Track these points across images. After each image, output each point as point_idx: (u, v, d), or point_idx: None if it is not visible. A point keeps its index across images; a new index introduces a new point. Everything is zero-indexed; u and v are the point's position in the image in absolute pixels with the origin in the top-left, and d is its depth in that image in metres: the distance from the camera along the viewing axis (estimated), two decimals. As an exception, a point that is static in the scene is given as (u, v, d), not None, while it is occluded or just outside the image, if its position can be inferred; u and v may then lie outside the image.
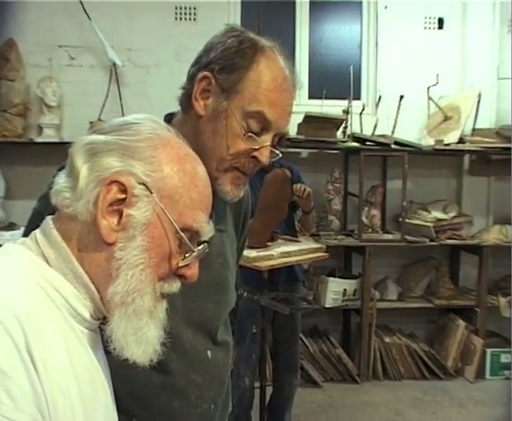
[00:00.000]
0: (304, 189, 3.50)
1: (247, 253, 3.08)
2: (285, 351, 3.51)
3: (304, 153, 5.00)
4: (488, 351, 4.88)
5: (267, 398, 3.42)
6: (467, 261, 5.17)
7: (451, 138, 4.79)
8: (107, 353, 0.99)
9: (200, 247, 0.98)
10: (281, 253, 3.14)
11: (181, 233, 0.94)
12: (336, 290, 4.68)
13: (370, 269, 4.69)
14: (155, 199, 0.92)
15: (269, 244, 3.23)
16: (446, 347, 4.94)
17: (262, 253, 3.08)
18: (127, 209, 0.91)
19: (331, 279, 4.70)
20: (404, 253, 5.10)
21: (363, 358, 4.67)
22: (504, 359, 4.91)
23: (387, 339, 4.79)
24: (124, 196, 0.91)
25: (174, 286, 0.98)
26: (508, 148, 4.76)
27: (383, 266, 5.04)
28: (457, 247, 5.10)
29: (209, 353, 1.28)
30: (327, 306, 4.69)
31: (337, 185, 4.81)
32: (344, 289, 4.70)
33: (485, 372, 4.88)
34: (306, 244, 3.47)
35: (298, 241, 3.49)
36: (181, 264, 0.96)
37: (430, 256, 5.15)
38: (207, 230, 0.98)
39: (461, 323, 4.92)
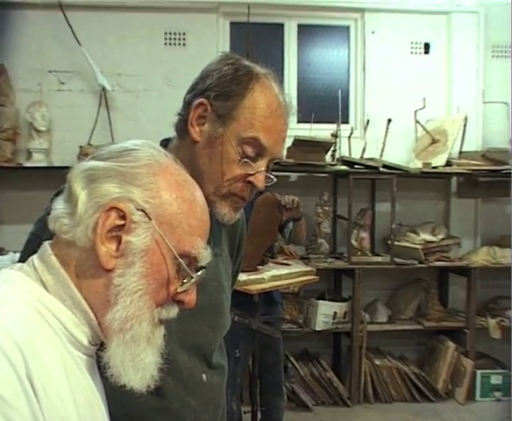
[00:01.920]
0: (293, 200, 3.53)
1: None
2: (269, 374, 3.50)
3: (293, 176, 5.04)
4: (478, 372, 4.89)
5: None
6: (456, 283, 5.20)
7: (438, 161, 4.83)
8: (102, 377, 0.98)
9: (198, 273, 0.98)
10: (272, 276, 3.14)
11: (180, 259, 0.95)
12: (326, 313, 4.68)
13: (360, 292, 4.70)
14: (154, 226, 0.92)
15: (259, 267, 3.24)
16: (436, 369, 4.94)
17: (253, 276, 3.09)
18: (126, 235, 0.92)
19: (321, 302, 4.70)
20: (393, 275, 5.12)
21: (354, 381, 4.66)
22: (494, 380, 4.92)
23: (377, 362, 4.79)
24: (123, 222, 0.92)
25: (172, 312, 0.99)
26: (495, 170, 4.82)
27: (373, 288, 5.06)
28: (445, 269, 5.12)
29: (204, 376, 1.28)
30: (317, 329, 4.68)
31: (327, 208, 4.83)
32: (335, 312, 4.70)
33: (475, 393, 4.88)
34: (296, 267, 3.48)
35: (288, 265, 3.50)
36: (179, 290, 0.96)
37: (420, 278, 5.17)
38: (205, 255, 0.98)
39: (451, 344, 4.93)
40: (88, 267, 0.93)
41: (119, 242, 0.92)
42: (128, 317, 0.92)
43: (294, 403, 4.55)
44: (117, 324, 0.92)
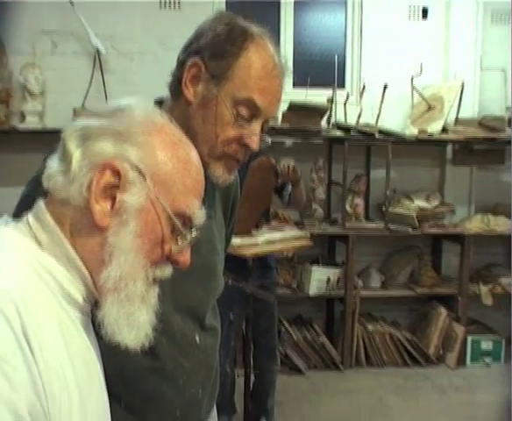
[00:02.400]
0: (289, 166, 3.52)
1: (232, 240, 3.09)
2: (263, 338, 3.53)
3: (288, 142, 5.02)
4: (469, 338, 4.95)
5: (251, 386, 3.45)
6: (449, 250, 5.23)
7: (434, 127, 4.82)
8: (97, 336, 0.99)
9: (193, 233, 0.98)
10: (266, 240, 3.16)
11: (175, 219, 0.94)
12: (319, 279, 4.71)
13: (353, 258, 4.72)
14: (149, 185, 0.92)
15: (254, 232, 3.24)
16: (428, 335, 5.00)
17: (247, 240, 3.10)
18: (121, 194, 0.91)
19: (315, 267, 4.72)
20: (387, 241, 5.15)
21: (346, 345, 4.71)
22: (485, 346, 4.99)
23: (370, 327, 4.84)
24: (117, 181, 0.91)
25: (166, 271, 0.99)
26: (490, 138, 4.81)
27: (366, 254, 5.09)
28: (439, 236, 5.15)
29: (197, 337, 1.29)
30: (311, 294, 4.72)
31: (321, 174, 4.83)
32: (328, 278, 4.73)
33: (466, 359, 4.95)
34: (290, 232, 3.49)
35: (282, 229, 3.51)
36: (173, 249, 0.96)
37: (413, 245, 5.20)
38: (199, 215, 0.98)
39: (443, 311, 4.98)
40: (82, 226, 0.93)
41: (114, 201, 0.92)
42: (122, 276, 0.92)
43: (287, 366, 4.60)
44: (111, 283, 0.92)
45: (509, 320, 5.55)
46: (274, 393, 3.78)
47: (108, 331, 0.94)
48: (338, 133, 4.73)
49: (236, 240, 3.09)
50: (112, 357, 1.13)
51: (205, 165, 1.17)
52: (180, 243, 0.97)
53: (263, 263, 3.47)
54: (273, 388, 3.77)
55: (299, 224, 4.51)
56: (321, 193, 4.85)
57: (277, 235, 3.28)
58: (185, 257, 0.99)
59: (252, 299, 3.27)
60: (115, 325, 0.94)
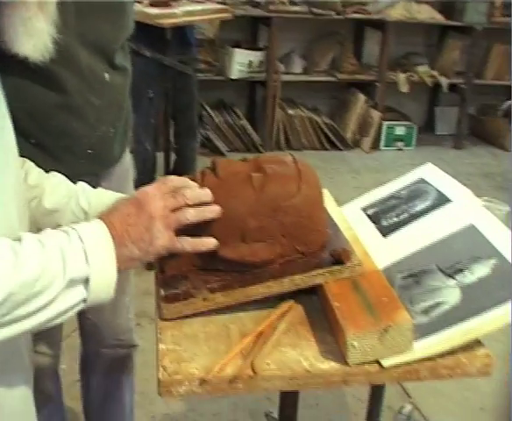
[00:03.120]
0: None
1: (149, 10, 2.98)
2: (182, 115, 3.53)
3: None
4: (384, 124, 5.15)
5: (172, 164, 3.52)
6: (371, 37, 5.25)
7: None
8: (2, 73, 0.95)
9: None
10: (185, 11, 3.05)
11: None
12: (241, 62, 4.66)
13: (276, 42, 4.67)
14: None
15: (172, 3, 3.12)
16: (346, 120, 5.15)
17: (165, 10, 2.99)
18: None
19: (237, 50, 4.65)
20: (310, 26, 5.08)
21: (267, 129, 4.81)
22: (398, 131, 5.21)
23: (290, 112, 4.92)
24: None
25: None
26: None
27: (289, 40, 5.03)
28: (361, 22, 5.13)
29: (106, 75, 1.26)
30: (233, 77, 4.69)
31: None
32: (250, 61, 4.69)
33: (380, 143, 5.18)
34: (211, 5, 3.38)
35: (203, 2, 3.39)
36: None
37: (335, 31, 5.16)
38: None
39: (361, 97, 5.10)
40: None
41: None
42: None
43: (208, 149, 4.69)
44: None
45: (423, 109, 5.79)
46: (195, 171, 3.88)
47: (6, 39, 0.91)
48: None
49: (153, 10, 2.98)
50: (20, 93, 1.11)
51: None
52: None
53: (182, 39, 3.38)
54: (194, 167, 3.86)
55: (220, 3, 4.35)
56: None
57: (197, 7, 3.17)
58: None
59: (171, 75, 3.22)
60: (12, 33, 0.91)
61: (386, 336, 0.81)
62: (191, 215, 0.88)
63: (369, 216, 1.19)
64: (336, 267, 0.89)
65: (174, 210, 0.88)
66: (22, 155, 1.08)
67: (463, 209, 1.10)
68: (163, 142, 4.37)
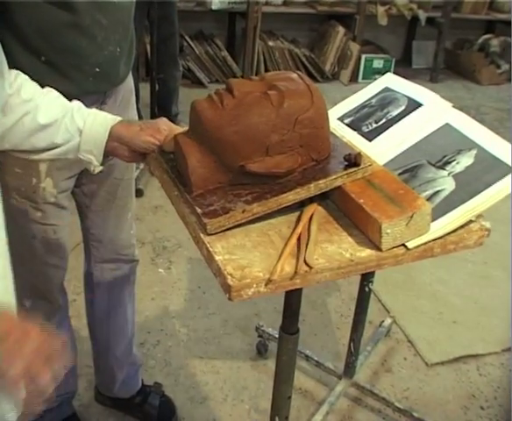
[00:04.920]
0: None
1: None
2: (164, 45, 3.51)
3: None
4: (363, 57, 5.21)
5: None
6: (351, -31, 5.24)
7: None
8: None
9: None
10: None
11: None
12: (222, -9, 4.64)
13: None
14: None
15: None
16: (325, 53, 5.19)
17: None
18: None
19: (218, -20, 4.63)
20: (291, -43, 5.06)
21: (247, 60, 4.82)
22: (376, 64, 5.29)
23: (270, 43, 4.94)
24: None
25: None
26: None
27: (270, -29, 5.00)
28: (342, -47, 5.12)
29: None
30: (213, 8, 4.68)
31: None
32: (231, -9, 4.67)
33: (358, 76, 5.26)
34: None
35: None
36: None
37: (316, -38, 5.15)
38: None
39: (341, 29, 5.13)
40: None
41: None
42: None
43: (189, 80, 4.71)
44: None
45: (400, 42, 5.84)
46: (178, 101, 3.92)
47: None
48: None
49: None
50: (30, 12, 1.16)
51: None
52: None
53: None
54: (177, 96, 3.90)
55: None
56: None
57: None
58: None
59: (156, 3, 3.22)
60: None
61: (411, 221, 0.94)
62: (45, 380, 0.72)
63: (347, 124, 1.29)
64: (352, 170, 1.00)
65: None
66: (34, 73, 1.14)
67: (436, 110, 1.23)
68: (145, 72, 4.41)
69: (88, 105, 1.31)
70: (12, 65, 1.16)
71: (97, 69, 1.29)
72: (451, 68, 5.69)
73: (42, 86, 1.21)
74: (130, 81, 1.52)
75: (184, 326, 2.36)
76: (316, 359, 2.11)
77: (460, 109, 1.23)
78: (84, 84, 1.29)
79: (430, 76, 5.43)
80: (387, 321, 2.35)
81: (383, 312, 2.49)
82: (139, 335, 2.20)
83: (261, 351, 2.23)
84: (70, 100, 1.14)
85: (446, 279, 2.71)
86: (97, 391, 1.98)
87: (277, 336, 1.21)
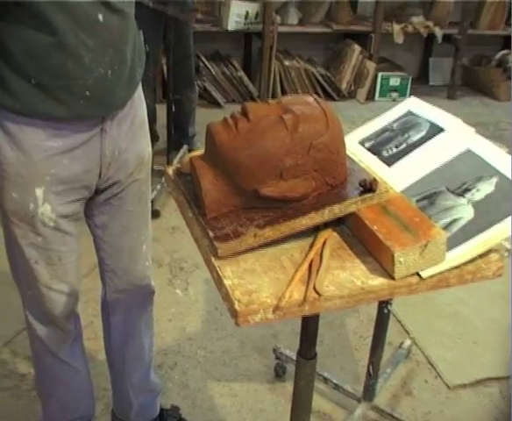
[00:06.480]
0: None
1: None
2: (179, 67, 3.54)
3: None
4: (379, 75, 5.20)
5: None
6: (366, -12, 5.25)
7: None
8: None
9: None
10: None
11: None
12: (238, 13, 4.67)
13: (272, -8, 4.68)
14: None
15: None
16: (341, 71, 5.19)
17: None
18: None
19: (234, 1, 4.64)
20: (306, -23, 5.09)
21: (263, 80, 4.84)
22: (393, 82, 5.27)
23: (286, 63, 4.95)
24: None
25: None
26: None
27: (285, -10, 5.03)
28: (357, -27, 5.14)
29: (100, 16, 1.24)
30: (229, 29, 4.71)
31: None
32: (247, 12, 4.70)
33: (375, 94, 5.25)
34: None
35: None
36: None
37: (331, -19, 5.17)
38: None
39: (356, 48, 5.14)
40: None
41: None
42: None
43: (205, 100, 4.73)
44: None
45: (417, 59, 5.83)
46: (194, 122, 3.94)
47: None
48: None
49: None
50: (16, 34, 1.16)
51: None
52: None
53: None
54: (193, 117, 3.92)
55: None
56: None
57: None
58: None
59: (173, 25, 3.25)
60: None
61: (425, 250, 0.92)
62: None
63: (368, 148, 1.28)
64: (367, 195, 0.99)
65: None
66: (26, 97, 1.17)
67: (457, 136, 1.21)
68: (162, 93, 4.44)
69: (84, 131, 1.31)
70: (6, 91, 1.20)
71: (87, 92, 1.27)
72: (468, 85, 5.66)
73: (35, 110, 1.24)
74: (139, 107, 1.49)
75: (201, 348, 2.35)
76: (334, 381, 2.08)
77: (479, 125, 1.22)
78: (75, 107, 1.27)
79: (448, 93, 5.41)
80: (407, 342, 2.32)
81: (403, 333, 2.45)
82: (157, 357, 2.19)
83: (279, 373, 2.21)
84: (64, 124, 1.15)
85: (466, 299, 2.67)
86: (114, 415, 1.97)
87: (295, 358, 1.20)
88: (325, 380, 2.09)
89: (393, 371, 2.16)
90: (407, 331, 2.46)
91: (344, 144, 1.02)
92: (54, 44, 1.19)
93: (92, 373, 1.83)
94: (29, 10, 1.14)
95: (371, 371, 1.93)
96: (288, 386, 2.15)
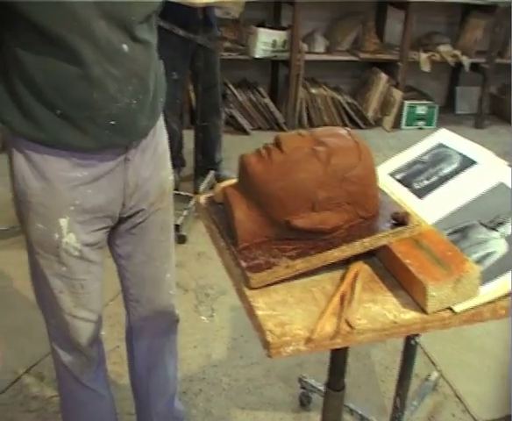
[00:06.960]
0: None
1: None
2: (206, 94, 3.59)
3: None
4: (406, 103, 5.20)
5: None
6: (394, 17, 5.28)
7: None
8: None
9: None
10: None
11: None
12: (265, 41, 4.72)
13: (299, 21, 4.72)
14: None
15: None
16: (368, 99, 5.20)
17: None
18: None
19: (261, 29, 4.71)
20: (333, 6, 5.13)
21: (290, 108, 4.88)
22: (420, 110, 5.26)
23: (313, 91, 4.98)
24: None
25: None
26: None
27: (312, 19, 5.08)
28: (384, 1, 5.16)
29: (125, 46, 1.26)
30: (257, 57, 4.76)
31: None
32: (274, 40, 4.75)
33: (401, 122, 5.24)
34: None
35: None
36: None
37: (358, 11, 5.20)
38: None
39: (383, 76, 5.15)
40: None
41: None
42: None
43: (232, 127, 4.77)
44: None
45: (444, 88, 5.82)
46: (221, 148, 3.97)
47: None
48: None
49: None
50: (42, 65, 1.18)
51: None
52: None
53: (204, 20, 3.44)
54: (220, 144, 3.95)
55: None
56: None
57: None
58: None
59: (202, 53, 3.30)
60: None
61: (458, 285, 0.92)
62: None
63: (399, 180, 1.28)
64: (399, 229, 0.99)
65: None
66: (50, 128, 1.18)
67: (490, 169, 1.21)
68: (189, 119, 4.49)
69: (109, 160, 1.33)
70: (30, 121, 1.22)
71: (112, 122, 1.28)
72: (496, 114, 5.62)
73: (59, 141, 1.25)
74: (161, 136, 1.51)
75: (226, 375, 2.34)
76: (360, 412, 2.06)
77: (507, 154, 1.21)
78: (100, 138, 1.28)
79: (475, 122, 5.38)
80: (434, 375, 2.28)
81: (429, 365, 2.42)
82: (181, 383, 2.19)
83: (304, 403, 2.19)
84: (89, 154, 1.15)
85: (493, 331, 2.63)
86: (138, 440, 1.97)
87: (320, 388, 1.20)
88: (351, 411, 2.07)
89: (419, 404, 2.13)
90: (434, 363, 2.43)
91: (376, 176, 1.03)
92: (80, 75, 1.21)
93: (117, 397, 1.83)
94: (56, 42, 1.16)
95: (397, 403, 1.90)
96: (314, 416, 2.13)
